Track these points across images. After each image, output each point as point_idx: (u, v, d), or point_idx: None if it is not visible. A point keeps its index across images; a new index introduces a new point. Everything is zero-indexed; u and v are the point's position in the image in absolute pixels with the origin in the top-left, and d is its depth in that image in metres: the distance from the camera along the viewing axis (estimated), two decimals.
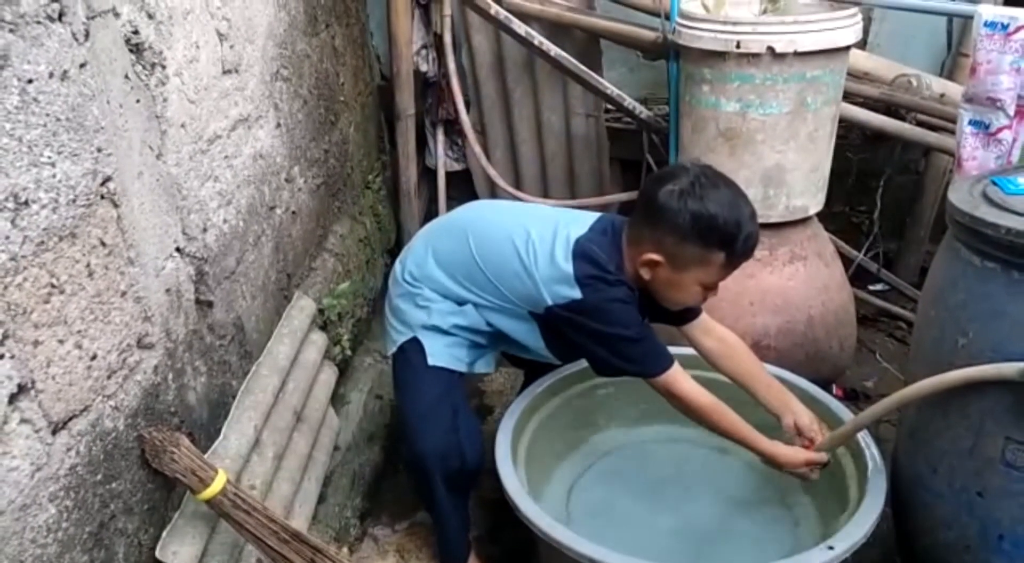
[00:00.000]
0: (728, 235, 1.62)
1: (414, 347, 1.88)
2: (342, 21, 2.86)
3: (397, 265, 1.99)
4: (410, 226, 3.31)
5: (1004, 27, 1.91)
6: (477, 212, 2.02)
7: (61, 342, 1.19)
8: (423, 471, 1.83)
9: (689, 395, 1.74)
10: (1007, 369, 1.46)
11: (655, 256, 1.68)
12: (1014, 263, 1.47)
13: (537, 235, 1.77)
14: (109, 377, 1.31)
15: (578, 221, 1.80)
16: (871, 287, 3.24)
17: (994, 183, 1.66)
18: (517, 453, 1.91)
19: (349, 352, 2.57)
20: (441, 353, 1.87)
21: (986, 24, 1.94)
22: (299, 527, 1.78)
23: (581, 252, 1.71)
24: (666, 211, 1.64)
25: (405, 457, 1.96)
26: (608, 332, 1.70)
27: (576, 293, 1.69)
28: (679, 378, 1.74)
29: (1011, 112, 1.95)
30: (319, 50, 2.59)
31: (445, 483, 1.85)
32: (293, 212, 2.31)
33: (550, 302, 1.73)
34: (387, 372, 2.70)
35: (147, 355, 1.44)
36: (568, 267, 1.70)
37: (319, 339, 2.28)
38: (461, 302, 1.87)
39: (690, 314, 1.92)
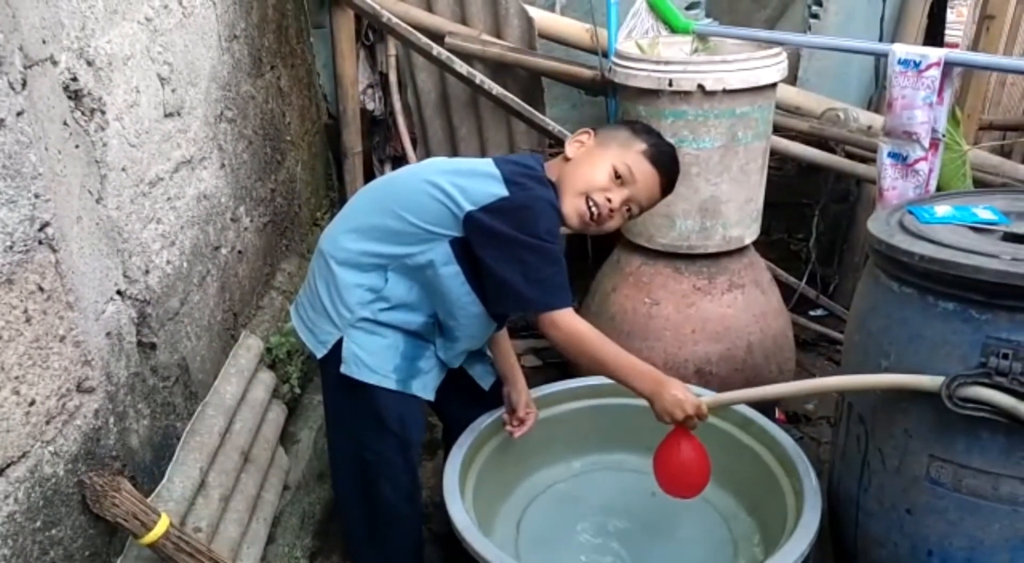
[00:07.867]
0: (655, 134, 1.79)
1: (337, 354, 1.76)
2: (287, 62, 2.90)
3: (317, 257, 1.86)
4: None
5: (916, 65, 2.03)
6: (376, 181, 1.97)
7: None
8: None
9: (580, 328, 1.66)
10: (927, 381, 1.52)
11: (586, 135, 1.79)
12: (929, 288, 1.55)
13: (450, 168, 1.75)
14: (48, 422, 1.31)
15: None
16: (811, 313, 3.34)
17: (910, 212, 1.75)
18: (465, 487, 1.92)
19: (298, 390, 2.56)
20: (356, 360, 1.74)
21: (900, 62, 2.05)
22: None
23: (504, 160, 1.73)
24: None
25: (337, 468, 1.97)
26: (526, 240, 1.60)
27: (503, 190, 1.63)
28: (575, 316, 1.67)
29: (926, 144, 2.06)
30: (264, 91, 2.62)
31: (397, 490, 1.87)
32: (239, 251, 2.32)
33: (469, 207, 1.64)
34: None
35: (87, 399, 1.43)
36: (495, 171, 1.68)
37: (267, 378, 2.27)
38: (379, 267, 1.74)
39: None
